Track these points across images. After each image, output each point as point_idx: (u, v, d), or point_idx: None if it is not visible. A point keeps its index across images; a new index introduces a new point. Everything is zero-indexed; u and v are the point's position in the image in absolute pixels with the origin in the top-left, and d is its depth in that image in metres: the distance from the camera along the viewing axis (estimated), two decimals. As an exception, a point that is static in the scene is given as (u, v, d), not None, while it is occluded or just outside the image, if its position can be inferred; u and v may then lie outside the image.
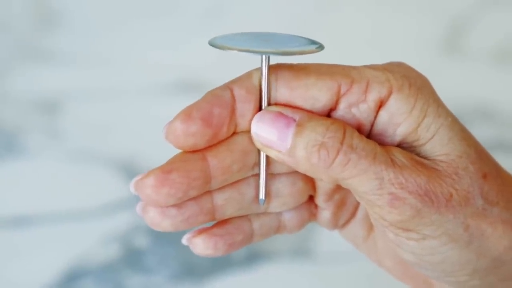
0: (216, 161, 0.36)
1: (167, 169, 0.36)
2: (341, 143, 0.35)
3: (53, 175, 0.75)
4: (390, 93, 0.36)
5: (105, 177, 0.74)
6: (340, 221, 0.42)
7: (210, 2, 1.01)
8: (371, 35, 0.96)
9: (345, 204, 0.41)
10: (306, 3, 1.01)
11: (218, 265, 0.62)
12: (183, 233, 0.39)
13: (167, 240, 0.64)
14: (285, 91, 0.36)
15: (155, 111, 0.82)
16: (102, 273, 0.62)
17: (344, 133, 0.35)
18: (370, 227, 0.42)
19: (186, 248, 0.39)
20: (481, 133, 0.80)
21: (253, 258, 0.63)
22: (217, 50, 0.36)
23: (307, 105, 0.36)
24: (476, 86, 0.89)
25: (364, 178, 0.35)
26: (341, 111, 0.37)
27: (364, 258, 0.45)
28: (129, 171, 0.74)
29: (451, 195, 0.36)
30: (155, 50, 0.94)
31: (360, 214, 0.42)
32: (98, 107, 0.86)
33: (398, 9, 1.00)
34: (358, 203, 0.42)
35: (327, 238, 0.64)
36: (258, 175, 0.38)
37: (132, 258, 0.63)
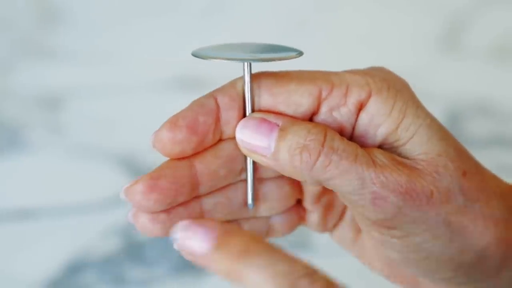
0: (203, 166, 0.37)
1: (155, 175, 0.37)
2: (322, 145, 0.36)
3: (55, 170, 0.75)
4: (369, 96, 0.37)
5: (107, 171, 0.74)
6: (328, 223, 0.42)
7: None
8: (370, 33, 0.97)
9: (333, 207, 0.42)
10: (305, 2, 1.02)
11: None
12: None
13: (168, 233, 0.64)
14: (268, 98, 0.37)
15: (156, 107, 0.83)
16: (103, 265, 0.63)
17: (325, 135, 0.36)
18: (358, 229, 0.42)
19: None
20: (480, 129, 0.81)
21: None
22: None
23: (289, 110, 0.37)
24: (475, 83, 0.89)
25: (346, 178, 0.36)
26: (323, 115, 0.37)
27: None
28: (130, 165, 0.75)
29: (432, 193, 0.36)
30: (156, 47, 0.95)
31: (348, 216, 0.42)
32: (100, 103, 0.86)
33: (396, 7, 1.00)
34: (346, 206, 0.42)
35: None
36: (245, 180, 0.39)
37: (133, 251, 0.64)
